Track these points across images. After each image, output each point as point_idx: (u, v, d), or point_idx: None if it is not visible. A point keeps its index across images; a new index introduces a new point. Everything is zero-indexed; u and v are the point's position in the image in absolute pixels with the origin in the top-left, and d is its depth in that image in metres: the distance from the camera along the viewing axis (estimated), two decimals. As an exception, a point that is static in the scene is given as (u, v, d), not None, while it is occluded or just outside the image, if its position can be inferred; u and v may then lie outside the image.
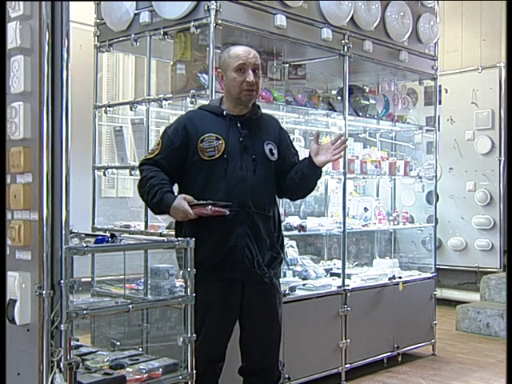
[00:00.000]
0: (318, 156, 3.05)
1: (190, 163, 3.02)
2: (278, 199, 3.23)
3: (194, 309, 2.93)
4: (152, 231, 3.93)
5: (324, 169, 4.53)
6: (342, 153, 3.13)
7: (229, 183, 2.96)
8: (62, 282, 2.47)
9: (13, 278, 2.55)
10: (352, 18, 4.49)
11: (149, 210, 3.97)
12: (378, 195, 5.69)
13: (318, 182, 3.22)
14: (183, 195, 2.92)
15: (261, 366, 3.10)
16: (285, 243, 3.31)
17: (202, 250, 2.89)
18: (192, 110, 3.28)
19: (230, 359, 3.17)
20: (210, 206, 2.85)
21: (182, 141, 3.01)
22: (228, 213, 2.88)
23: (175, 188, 3.12)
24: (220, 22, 3.67)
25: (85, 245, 2.63)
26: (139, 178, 3.09)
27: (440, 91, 6.50)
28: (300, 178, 3.09)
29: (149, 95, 4.04)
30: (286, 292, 4.10)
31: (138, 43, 4.07)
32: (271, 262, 3.04)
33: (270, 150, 3.09)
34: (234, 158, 2.99)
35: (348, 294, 4.53)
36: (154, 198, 2.93)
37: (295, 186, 3.13)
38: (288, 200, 3.68)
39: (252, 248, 2.96)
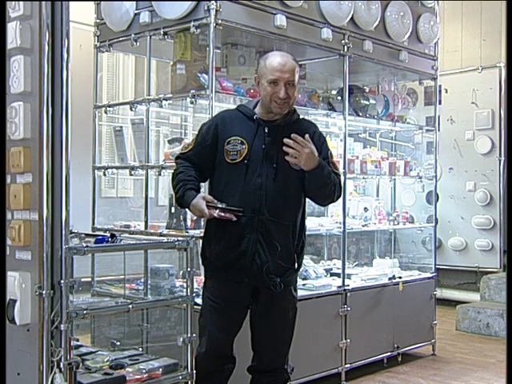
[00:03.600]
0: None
1: (216, 163, 3.04)
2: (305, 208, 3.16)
3: (203, 304, 2.96)
4: (152, 231, 3.93)
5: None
6: (305, 151, 2.84)
7: (245, 189, 2.95)
8: (62, 282, 2.47)
9: (13, 278, 2.55)
10: (352, 17, 4.49)
11: (149, 210, 4.00)
12: (378, 195, 5.69)
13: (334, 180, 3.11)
14: (203, 194, 2.96)
15: (269, 367, 3.11)
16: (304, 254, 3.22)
17: (215, 249, 2.97)
18: (227, 110, 3.26)
19: (239, 357, 3.18)
20: (217, 210, 2.88)
21: (212, 140, 3.04)
22: (235, 219, 2.88)
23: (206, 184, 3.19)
24: (220, 22, 3.66)
25: (85, 245, 2.64)
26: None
27: (440, 91, 6.49)
28: (306, 184, 3.02)
29: (149, 95, 4.04)
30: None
31: (138, 43, 4.07)
32: (281, 271, 2.98)
33: None
34: (254, 164, 2.97)
35: (348, 294, 4.53)
36: (178, 193, 3.00)
37: (308, 191, 3.06)
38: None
39: (263, 254, 2.94)
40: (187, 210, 3.06)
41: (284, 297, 3.04)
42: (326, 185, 2.97)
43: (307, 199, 3.13)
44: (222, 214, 2.88)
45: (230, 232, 2.95)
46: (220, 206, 2.89)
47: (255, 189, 2.95)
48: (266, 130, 3.00)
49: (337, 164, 3.19)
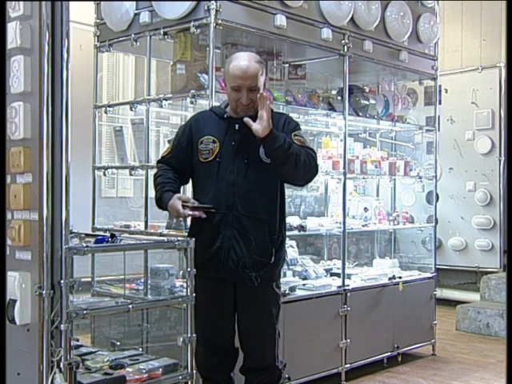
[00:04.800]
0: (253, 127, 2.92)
1: (193, 163, 3.12)
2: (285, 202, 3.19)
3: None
4: (152, 231, 3.93)
5: (324, 169, 4.58)
6: (267, 103, 2.89)
7: (218, 186, 3.02)
8: (62, 282, 2.47)
9: (13, 278, 2.55)
10: (352, 17, 4.49)
11: (149, 210, 4.01)
12: (378, 195, 5.69)
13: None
14: (179, 195, 3.04)
15: (259, 366, 3.11)
16: (285, 246, 3.27)
17: (196, 247, 3.00)
18: (202, 111, 3.33)
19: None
20: (187, 209, 2.96)
21: (188, 141, 3.13)
22: (204, 216, 2.95)
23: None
24: (220, 21, 3.66)
25: (85, 245, 2.64)
26: None
27: (440, 91, 6.49)
28: (272, 162, 3.00)
29: (149, 95, 4.04)
30: (286, 292, 4.10)
31: (138, 43, 4.07)
32: (258, 265, 3.00)
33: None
34: (226, 162, 3.03)
35: (348, 294, 4.53)
36: (156, 196, 3.09)
37: (280, 173, 3.04)
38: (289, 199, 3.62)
39: (238, 250, 2.99)
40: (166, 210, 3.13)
41: (264, 293, 3.06)
42: (289, 156, 2.91)
43: (289, 196, 3.16)
44: (190, 213, 2.96)
45: (206, 229, 3.02)
46: (191, 204, 2.96)
47: (228, 185, 3.01)
48: (237, 128, 3.04)
49: (305, 141, 3.11)
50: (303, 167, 2.98)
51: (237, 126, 3.04)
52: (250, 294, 3.04)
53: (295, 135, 3.05)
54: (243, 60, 3.00)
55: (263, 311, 3.08)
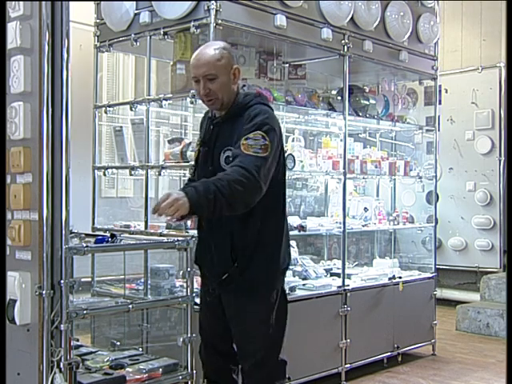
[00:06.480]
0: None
1: None
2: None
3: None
4: (152, 231, 3.93)
5: (324, 169, 4.58)
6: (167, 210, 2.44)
7: None
8: (62, 282, 2.47)
9: (13, 278, 2.55)
10: (352, 17, 4.49)
11: (149, 210, 4.00)
12: (378, 195, 5.69)
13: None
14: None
15: (244, 367, 2.92)
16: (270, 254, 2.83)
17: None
18: (207, 111, 3.08)
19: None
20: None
21: (198, 146, 3.00)
22: (174, 220, 2.63)
23: None
24: (220, 22, 3.66)
25: (85, 245, 2.64)
26: None
27: (440, 91, 6.50)
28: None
29: (149, 95, 4.04)
30: (286, 292, 4.09)
31: (138, 43, 4.07)
32: (222, 276, 2.77)
33: (227, 157, 2.72)
34: (199, 168, 2.87)
35: (348, 294, 4.53)
36: None
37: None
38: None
39: (213, 259, 2.81)
40: None
41: (242, 307, 2.79)
42: (222, 208, 2.50)
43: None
44: (168, 218, 2.70)
45: (198, 237, 2.95)
46: None
47: None
48: (211, 129, 2.83)
49: (256, 147, 2.60)
50: (241, 200, 2.56)
51: (211, 127, 2.84)
52: (227, 303, 2.85)
53: (245, 139, 2.61)
54: (202, 49, 2.75)
55: (241, 324, 2.84)
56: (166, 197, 2.42)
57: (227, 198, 2.47)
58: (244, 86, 2.86)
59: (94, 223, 4.33)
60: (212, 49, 2.73)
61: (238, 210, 2.61)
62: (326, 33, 4.33)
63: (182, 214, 2.45)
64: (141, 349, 3.37)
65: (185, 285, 3.00)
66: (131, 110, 4.18)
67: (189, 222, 3.88)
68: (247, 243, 2.74)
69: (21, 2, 2.57)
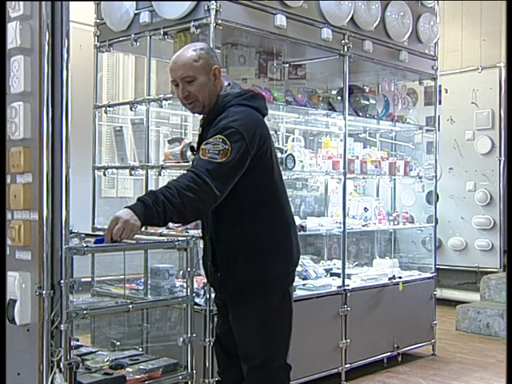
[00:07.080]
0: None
1: None
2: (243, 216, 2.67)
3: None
4: (152, 231, 3.93)
5: (324, 169, 4.58)
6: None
7: None
8: (62, 282, 2.47)
9: (13, 278, 2.55)
10: (352, 17, 4.49)
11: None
12: (378, 195, 5.69)
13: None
14: None
15: (250, 372, 2.87)
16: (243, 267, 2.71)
17: None
18: None
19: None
20: None
21: None
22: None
23: None
24: (220, 21, 3.66)
25: (85, 245, 2.63)
26: None
27: (440, 91, 6.50)
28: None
29: (149, 95, 4.04)
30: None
31: (138, 43, 4.07)
32: (219, 280, 2.77)
33: None
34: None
35: (348, 294, 4.53)
36: None
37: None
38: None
39: (212, 268, 2.80)
40: None
41: (238, 316, 2.78)
42: (172, 216, 2.46)
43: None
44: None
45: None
46: None
47: None
48: (201, 130, 2.77)
49: (206, 153, 2.51)
50: (192, 207, 2.47)
51: (200, 128, 2.78)
52: (230, 305, 2.83)
53: (205, 144, 2.54)
54: (180, 51, 2.70)
55: (239, 325, 2.81)
56: (116, 221, 2.40)
57: (177, 207, 2.41)
58: (229, 84, 2.78)
59: (94, 223, 4.33)
60: (189, 50, 2.67)
61: (189, 217, 2.57)
62: (326, 33, 4.33)
63: (136, 232, 2.44)
64: (141, 349, 3.36)
65: (185, 285, 2.99)
66: (131, 110, 4.18)
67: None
68: (226, 252, 2.69)
69: (21, 2, 2.57)
